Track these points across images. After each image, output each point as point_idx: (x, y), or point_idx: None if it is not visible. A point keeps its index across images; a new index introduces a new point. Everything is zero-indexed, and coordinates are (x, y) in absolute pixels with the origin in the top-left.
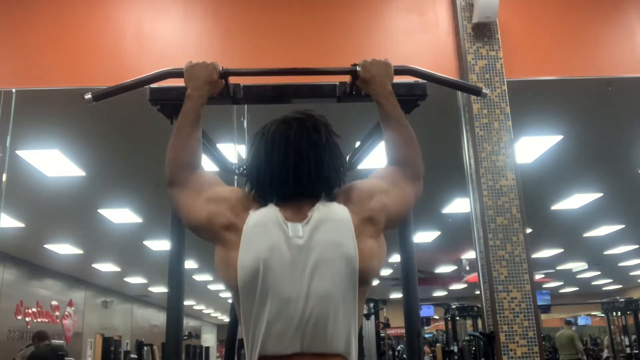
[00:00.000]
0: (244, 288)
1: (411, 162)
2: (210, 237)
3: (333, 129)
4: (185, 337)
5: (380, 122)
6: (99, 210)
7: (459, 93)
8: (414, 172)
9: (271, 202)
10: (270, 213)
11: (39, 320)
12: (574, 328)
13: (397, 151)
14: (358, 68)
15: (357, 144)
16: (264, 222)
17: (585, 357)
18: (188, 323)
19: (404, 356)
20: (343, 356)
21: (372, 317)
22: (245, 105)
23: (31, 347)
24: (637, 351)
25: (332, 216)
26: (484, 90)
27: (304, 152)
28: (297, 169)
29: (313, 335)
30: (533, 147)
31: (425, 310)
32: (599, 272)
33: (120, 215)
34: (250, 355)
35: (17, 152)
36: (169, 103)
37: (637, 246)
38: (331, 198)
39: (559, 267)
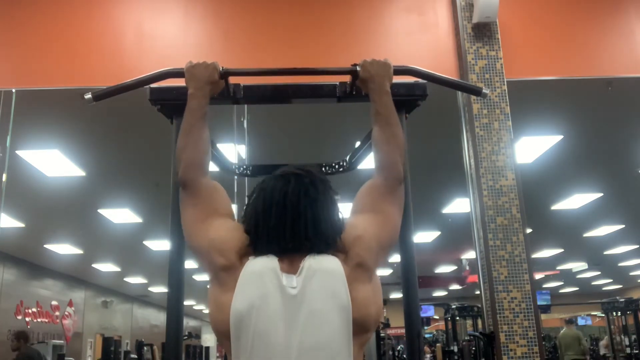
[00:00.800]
0: (234, 333)
1: (392, 163)
2: (206, 269)
3: (331, 184)
4: (185, 337)
5: (372, 120)
6: (99, 210)
7: (459, 93)
8: (395, 177)
9: (271, 253)
10: (268, 263)
11: (39, 320)
12: (574, 328)
13: (379, 150)
14: (358, 68)
15: (357, 144)
16: (261, 270)
17: (589, 357)
18: (188, 323)
19: (404, 356)
20: None
21: None
22: (245, 105)
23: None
24: (637, 351)
25: (323, 267)
26: (484, 91)
27: (301, 209)
28: (294, 225)
29: None
30: (533, 147)
31: (425, 310)
32: (599, 272)
33: (120, 215)
34: None
35: (17, 152)
36: (169, 103)
37: (637, 246)
38: (322, 250)
39: (559, 267)
